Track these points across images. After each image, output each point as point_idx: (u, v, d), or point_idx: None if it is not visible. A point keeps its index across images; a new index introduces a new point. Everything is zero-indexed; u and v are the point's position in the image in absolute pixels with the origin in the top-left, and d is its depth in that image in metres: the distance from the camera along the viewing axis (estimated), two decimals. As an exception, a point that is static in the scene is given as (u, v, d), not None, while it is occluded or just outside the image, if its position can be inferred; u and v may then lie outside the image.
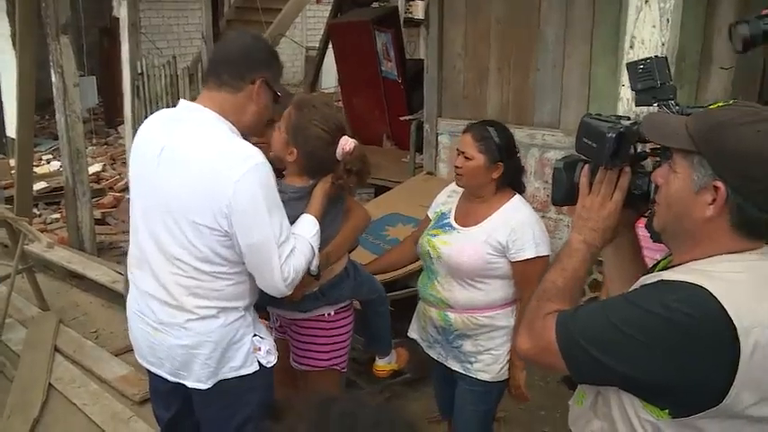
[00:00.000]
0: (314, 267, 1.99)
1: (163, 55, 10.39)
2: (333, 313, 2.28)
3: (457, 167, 2.32)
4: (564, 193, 1.49)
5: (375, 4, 8.67)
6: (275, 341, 2.05)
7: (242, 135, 1.91)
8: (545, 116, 4.79)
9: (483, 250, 2.26)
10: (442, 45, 5.16)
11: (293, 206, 2.01)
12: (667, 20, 2.54)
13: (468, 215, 2.36)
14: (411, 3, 13.20)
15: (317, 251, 1.99)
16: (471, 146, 2.28)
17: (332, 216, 2.16)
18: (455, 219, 2.38)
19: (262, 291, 1.94)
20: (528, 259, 2.25)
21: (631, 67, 1.53)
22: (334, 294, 2.25)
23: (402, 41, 7.02)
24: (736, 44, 1.86)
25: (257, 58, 1.90)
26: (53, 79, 5.06)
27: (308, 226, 1.99)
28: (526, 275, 2.23)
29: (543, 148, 4.71)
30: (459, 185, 2.39)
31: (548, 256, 2.28)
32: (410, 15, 12.40)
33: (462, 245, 2.28)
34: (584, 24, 4.48)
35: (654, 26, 2.58)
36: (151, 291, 1.94)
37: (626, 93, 2.71)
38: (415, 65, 6.98)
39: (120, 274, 4.63)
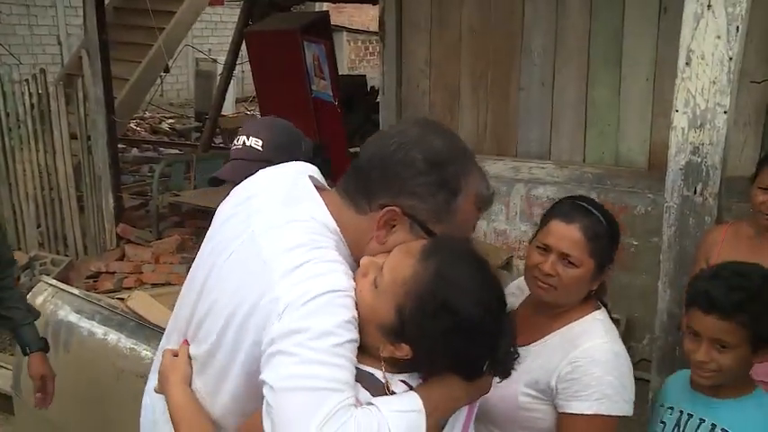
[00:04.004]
0: None
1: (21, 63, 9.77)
2: None
3: (548, 275, 1.82)
4: None
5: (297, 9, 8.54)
6: None
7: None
8: (532, 145, 4.76)
9: (516, 388, 1.81)
10: (401, 60, 5.08)
11: None
12: (737, 28, 2.49)
13: (528, 328, 1.86)
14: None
15: None
16: (580, 246, 1.80)
17: None
18: None
19: None
20: (579, 415, 1.75)
21: None
22: None
23: (335, 55, 6.89)
24: None
25: (396, 173, 1.42)
26: None
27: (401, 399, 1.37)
28: None
29: (530, 183, 4.65)
30: (545, 300, 1.88)
31: (616, 418, 1.75)
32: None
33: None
34: (577, 32, 4.49)
35: (718, 36, 2.53)
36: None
37: (680, 120, 2.63)
38: (352, 82, 6.86)
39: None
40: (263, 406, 1.29)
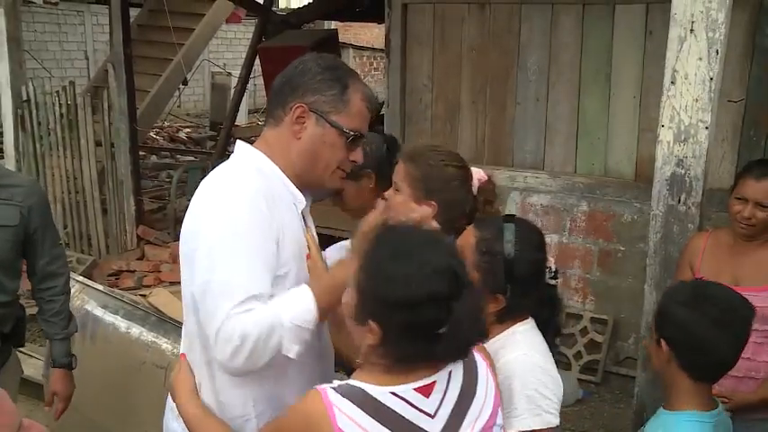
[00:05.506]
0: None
1: (53, 76, 9.82)
2: None
3: None
4: None
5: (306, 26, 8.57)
6: None
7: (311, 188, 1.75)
8: (527, 156, 4.78)
9: None
10: (406, 75, 5.09)
11: None
12: (716, 51, 2.52)
13: None
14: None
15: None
16: (468, 251, 1.69)
17: None
18: None
19: None
20: None
21: None
22: None
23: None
24: None
25: (299, 80, 1.67)
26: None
27: (293, 299, 1.56)
28: None
29: (525, 191, 4.67)
30: None
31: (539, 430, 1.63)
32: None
33: None
34: (570, 50, 4.53)
35: (700, 58, 2.56)
36: None
37: (666, 135, 2.66)
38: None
39: None
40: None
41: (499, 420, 1.42)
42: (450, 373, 1.35)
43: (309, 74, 1.67)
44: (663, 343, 1.78)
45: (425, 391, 1.31)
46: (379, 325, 1.27)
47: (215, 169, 1.70)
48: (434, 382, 1.32)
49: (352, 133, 1.68)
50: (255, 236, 1.54)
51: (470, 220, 1.92)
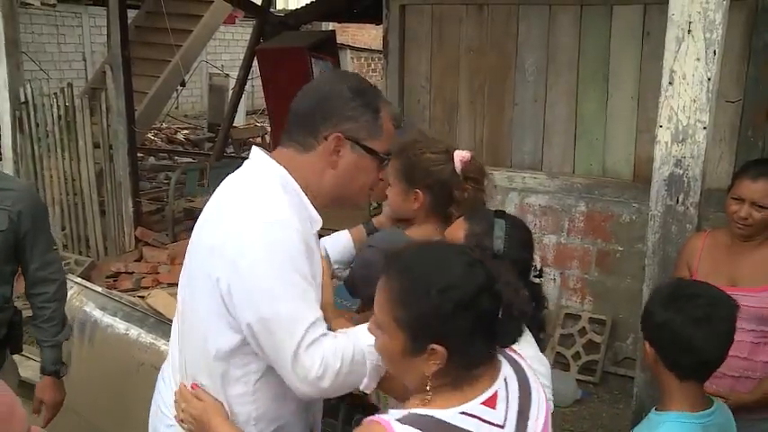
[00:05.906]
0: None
1: (50, 77, 9.81)
2: None
3: None
4: None
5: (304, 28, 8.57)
6: None
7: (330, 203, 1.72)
8: (525, 156, 4.78)
9: None
10: (403, 76, 5.09)
11: None
12: (714, 52, 2.53)
13: None
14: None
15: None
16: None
17: None
18: None
19: None
20: None
21: None
22: None
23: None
24: None
25: (334, 105, 1.60)
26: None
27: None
28: None
29: (524, 192, 4.67)
30: None
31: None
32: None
33: None
34: (568, 51, 4.53)
35: (698, 59, 2.56)
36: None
37: (664, 135, 2.66)
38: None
39: None
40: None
41: (549, 416, 1.42)
42: (505, 378, 1.33)
43: (341, 99, 1.61)
44: (647, 344, 1.79)
45: (491, 402, 1.28)
46: (444, 341, 1.23)
47: (237, 182, 1.66)
48: (496, 392, 1.29)
49: (387, 157, 1.69)
50: (303, 259, 1.55)
51: (458, 202, 2.00)
